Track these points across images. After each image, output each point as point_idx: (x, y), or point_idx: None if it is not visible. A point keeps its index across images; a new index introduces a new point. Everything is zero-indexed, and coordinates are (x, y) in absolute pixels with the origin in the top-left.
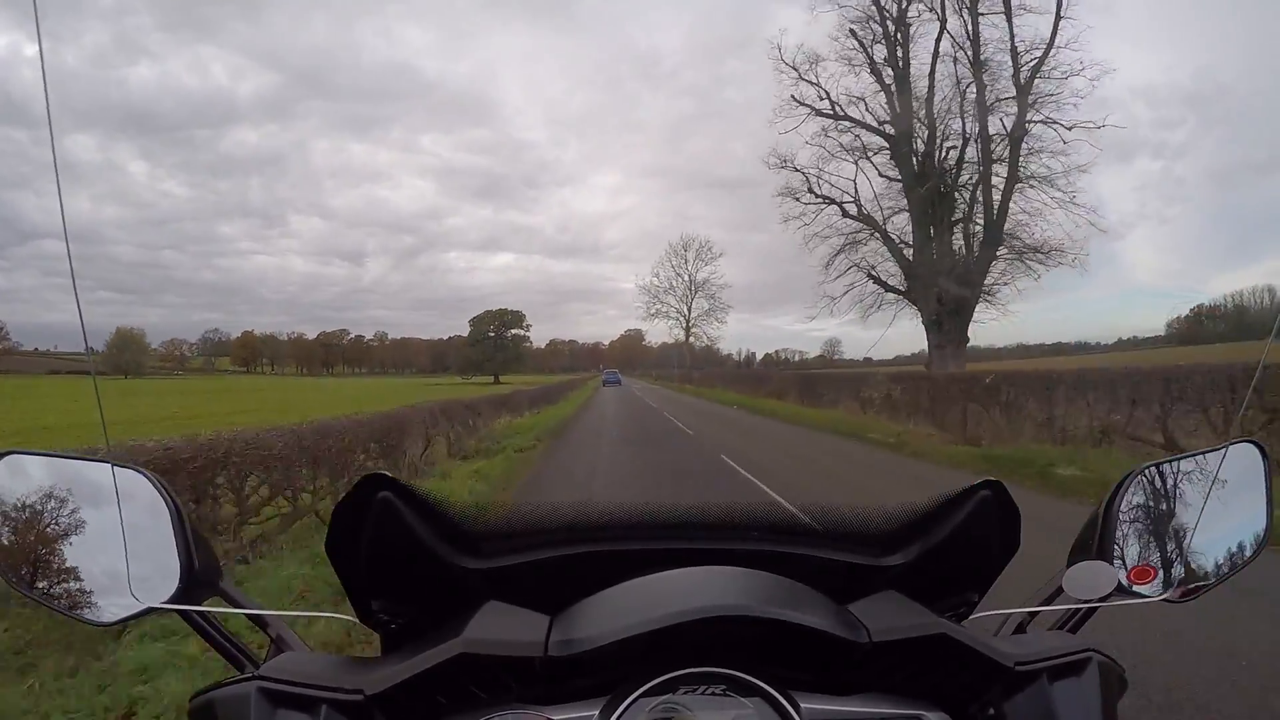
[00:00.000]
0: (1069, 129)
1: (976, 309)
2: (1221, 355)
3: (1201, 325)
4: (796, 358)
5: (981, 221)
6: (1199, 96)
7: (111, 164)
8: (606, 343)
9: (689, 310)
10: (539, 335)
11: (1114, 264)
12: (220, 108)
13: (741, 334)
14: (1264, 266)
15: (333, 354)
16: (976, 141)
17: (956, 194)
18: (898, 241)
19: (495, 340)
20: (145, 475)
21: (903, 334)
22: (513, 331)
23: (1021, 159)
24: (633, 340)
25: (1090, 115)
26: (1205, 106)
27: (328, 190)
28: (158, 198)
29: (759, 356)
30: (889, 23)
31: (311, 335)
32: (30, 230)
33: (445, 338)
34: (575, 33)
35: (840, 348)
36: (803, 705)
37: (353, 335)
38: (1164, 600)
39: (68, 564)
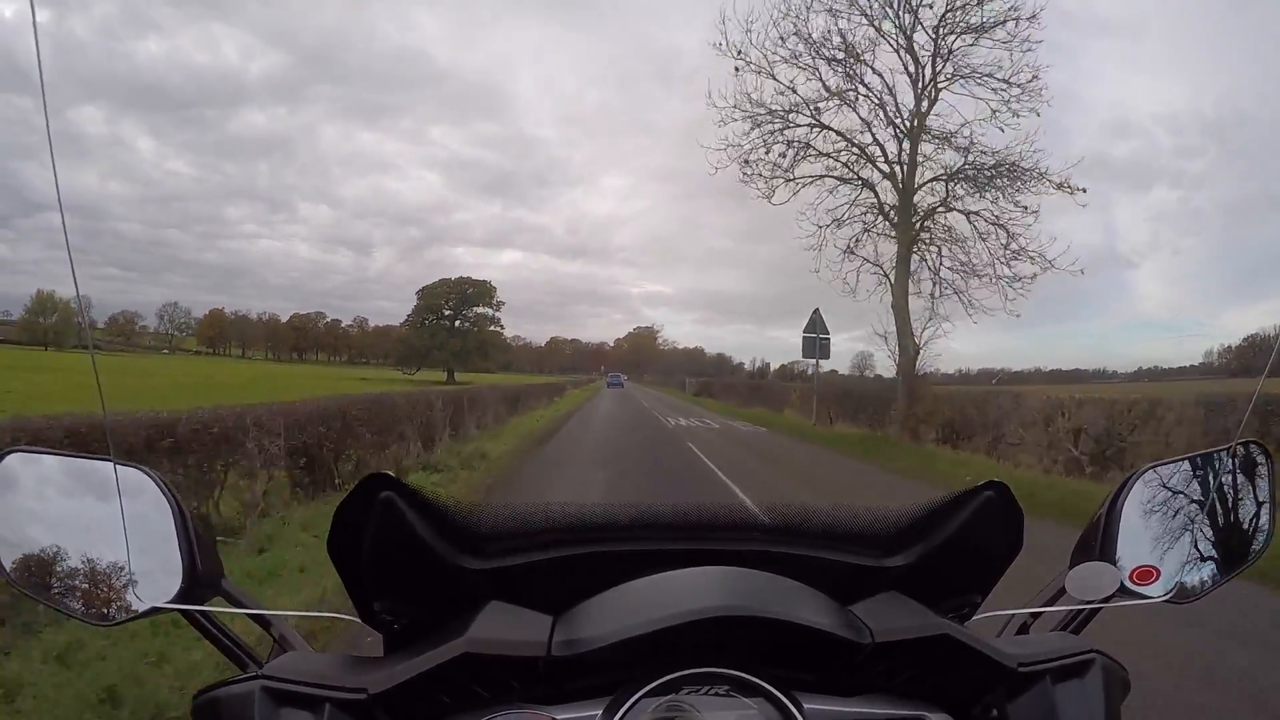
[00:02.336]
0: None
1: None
2: None
3: (1255, 355)
4: (810, 370)
5: None
6: (1220, 126)
7: (118, 139)
8: (612, 341)
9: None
10: (539, 333)
11: (1124, 293)
12: (229, 87)
13: (748, 344)
14: (1271, 304)
15: (307, 339)
16: None
17: None
18: None
19: (451, 321)
20: (148, 474)
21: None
22: (477, 310)
23: None
24: (642, 339)
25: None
26: (1226, 137)
27: (335, 178)
28: (164, 176)
29: (773, 368)
30: None
31: (285, 317)
32: (38, 201)
33: None
34: (592, 27)
35: (872, 361)
36: (805, 706)
37: (329, 319)
38: (1167, 601)
39: (70, 563)
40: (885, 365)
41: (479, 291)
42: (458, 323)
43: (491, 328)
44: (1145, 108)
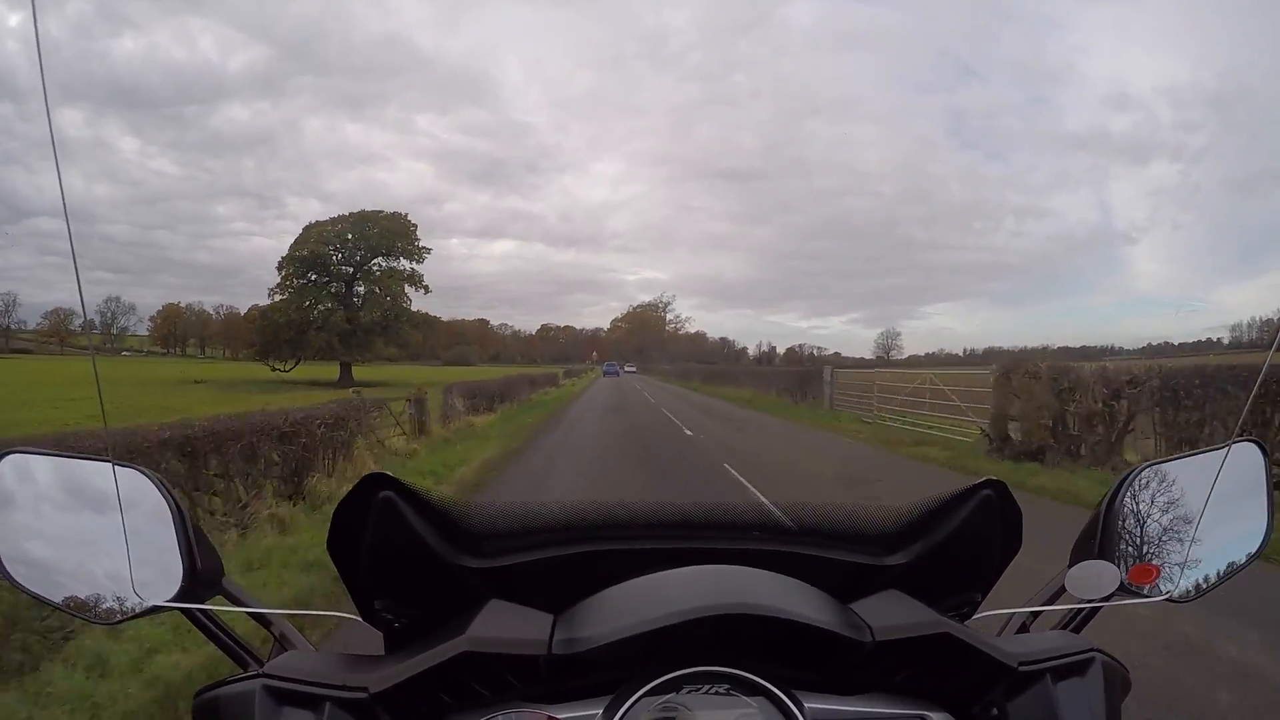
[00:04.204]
0: None
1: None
2: None
3: None
4: (815, 353)
5: None
6: (1222, 99)
7: (100, 140)
8: (608, 324)
9: None
10: (529, 323)
11: (1122, 270)
12: (209, 82)
13: (746, 329)
14: (1269, 279)
15: None
16: None
17: None
18: None
19: (348, 283)
20: (147, 475)
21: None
22: (384, 264)
23: None
24: (647, 319)
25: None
26: (1228, 110)
27: (323, 172)
28: (149, 176)
29: (780, 351)
30: None
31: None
32: (25, 208)
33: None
34: (578, 6)
35: (899, 341)
36: (806, 705)
37: None
38: (1166, 600)
39: (70, 563)
40: (913, 343)
41: (389, 230)
42: (358, 285)
43: (408, 289)
44: (1145, 81)
